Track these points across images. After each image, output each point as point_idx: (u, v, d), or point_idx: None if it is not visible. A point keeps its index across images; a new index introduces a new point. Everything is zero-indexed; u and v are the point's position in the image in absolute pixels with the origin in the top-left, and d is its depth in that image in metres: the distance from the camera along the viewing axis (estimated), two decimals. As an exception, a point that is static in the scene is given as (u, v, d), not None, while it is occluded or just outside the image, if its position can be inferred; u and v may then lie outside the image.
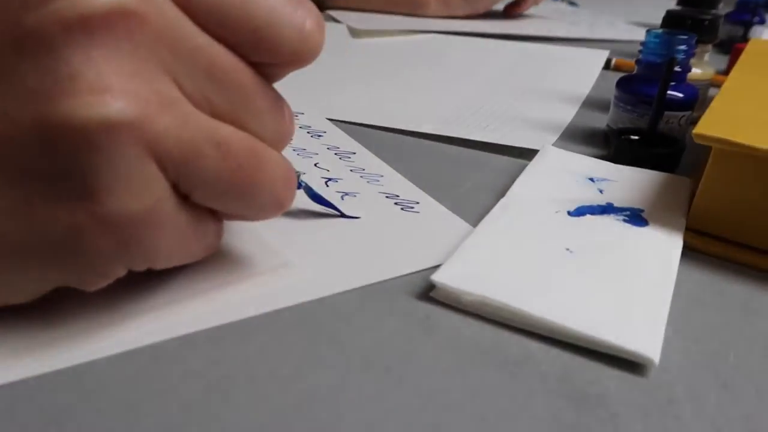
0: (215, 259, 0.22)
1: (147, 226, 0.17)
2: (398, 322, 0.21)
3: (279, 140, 0.19)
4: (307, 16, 0.18)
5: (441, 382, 0.19)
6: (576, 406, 0.18)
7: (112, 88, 0.15)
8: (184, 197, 0.18)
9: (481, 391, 0.19)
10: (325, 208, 0.27)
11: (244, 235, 0.24)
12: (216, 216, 0.20)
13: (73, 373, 0.18)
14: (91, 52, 0.15)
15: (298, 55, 0.18)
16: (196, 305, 0.21)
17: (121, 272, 0.18)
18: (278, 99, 0.19)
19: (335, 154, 0.34)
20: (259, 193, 0.18)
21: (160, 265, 0.19)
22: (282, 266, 0.23)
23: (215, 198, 0.18)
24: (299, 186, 0.25)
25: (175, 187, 0.17)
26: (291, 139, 0.20)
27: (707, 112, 0.27)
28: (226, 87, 0.17)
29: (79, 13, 0.14)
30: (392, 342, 0.20)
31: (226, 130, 0.17)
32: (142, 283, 0.21)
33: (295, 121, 0.38)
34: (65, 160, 0.15)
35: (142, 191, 0.16)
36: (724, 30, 0.69)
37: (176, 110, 0.16)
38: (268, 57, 0.18)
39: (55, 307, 0.19)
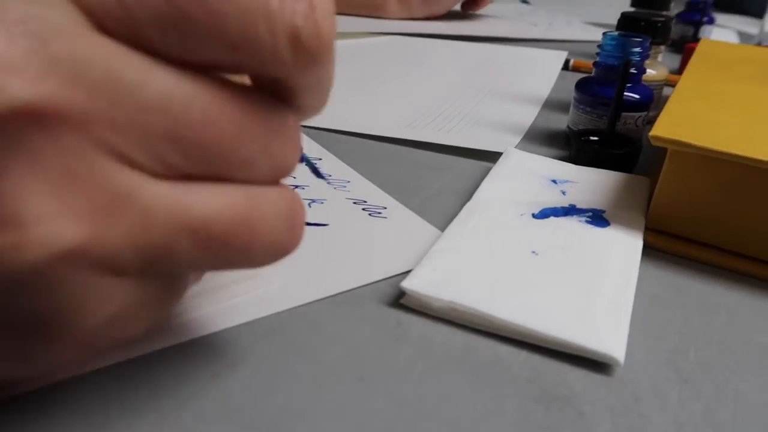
0: (182, 273, 0.22)
1: (111, 326, 0.15)
2: (370, 331, 0.21)
3: (279, 174, 0.15)
4: (296, 11, 0.13)
5: (414, 390, 0.19)
6: (545, 408, 0.19)
7: (34, 217, 0.11)
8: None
9: (453, 396, 0.19)
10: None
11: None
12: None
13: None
14: None
15: (296, 65, 0.13)
16: (161, 321, 0.20)
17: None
18: (275, 128, 0.15)
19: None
20: (254, 255, 0.15)
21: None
22: (250, 278, 0.23)
23: (198, 273, 0.16)
24: (301, 160, 0.22)
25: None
26: (296, 165, 0.16)
27: (662, 114, 0.28)
28: (196, 146, 0.13)
29: None
30: (364, 351, 0.20)
31: (199, 208, 0.13)
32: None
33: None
34: (3, 301, 0.13)
35: (102, 307, 0.14)
36: (675, 30, 0.72)
37: (131, 211, 0.13)
38: (259, 72, 0.14)
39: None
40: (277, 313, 0.22)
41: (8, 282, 0.12)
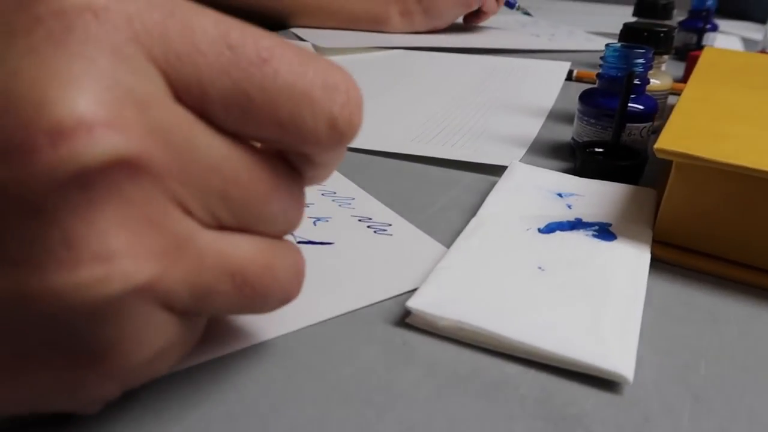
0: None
1: (149, 364, 0.16)
2: (376, 351, 0.21)
3: (288, 230, 0.18)
4: (335, 101, 0.16)
5: (421, 411, 0.19)
6: (555, 427, 0.18)
7: (119, 253, 0.13)
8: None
9: (462, 417, 0.19)
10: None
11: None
12: None
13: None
14: (89, 213, 0.13)
15: (328, 146, 0.16)
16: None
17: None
18: (292, 192, 0.17)
19: (305, 177, 0.34)
20: (270, 300, 0.17)
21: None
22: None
23: (221, 315, 0.18)
24: None
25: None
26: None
27: (667, 126, 0.28)
28: (239, 203, 0.15)
29: (72, 170, 0.12)
30: (371, 371, 0.20)
31: (239, 255, 0.16)
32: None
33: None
34: (64, 332, 0.14)
35: (152, 341, 0.15)
36: (678, 37, 0.72)
37: (189, 254, 0.15)
38: (296, 149, 0.16)
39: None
40: (283, 335, 0.21)
41: (86, 311, 0.13)
